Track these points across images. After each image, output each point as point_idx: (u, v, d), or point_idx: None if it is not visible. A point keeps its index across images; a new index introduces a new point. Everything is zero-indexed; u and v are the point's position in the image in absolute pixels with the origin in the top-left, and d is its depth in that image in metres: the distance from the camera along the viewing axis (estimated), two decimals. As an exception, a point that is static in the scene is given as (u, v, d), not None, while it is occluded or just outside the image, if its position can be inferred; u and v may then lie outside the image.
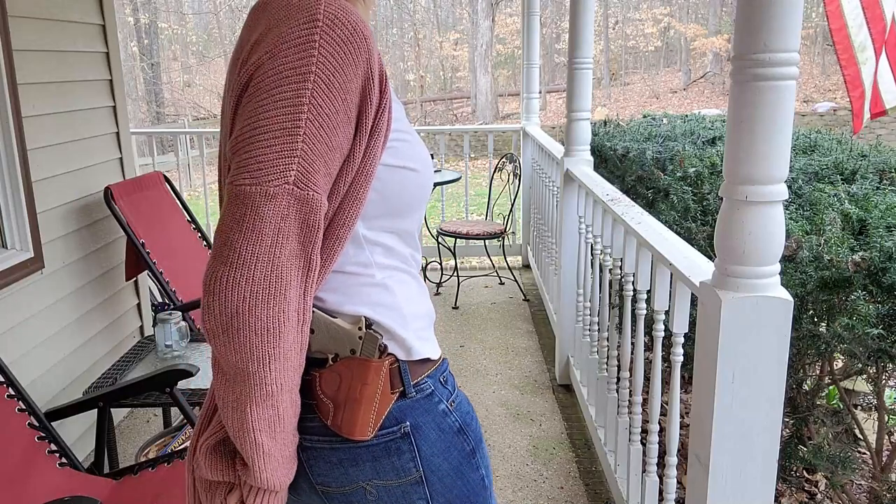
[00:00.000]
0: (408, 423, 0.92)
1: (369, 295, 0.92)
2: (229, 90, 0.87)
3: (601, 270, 2.53)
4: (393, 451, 0.91)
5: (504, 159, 5.16)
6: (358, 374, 0.89)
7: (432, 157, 4.66)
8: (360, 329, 0.89)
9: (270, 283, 0.78)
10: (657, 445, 1.93)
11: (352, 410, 0.88)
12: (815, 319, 1.91)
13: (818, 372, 2.14)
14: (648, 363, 2.15)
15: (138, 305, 3.22)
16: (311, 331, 0.89)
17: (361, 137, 0.84)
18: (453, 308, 4.40)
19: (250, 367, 0.80)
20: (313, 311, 0.89)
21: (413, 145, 0.93)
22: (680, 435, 1.86)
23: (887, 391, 2.07)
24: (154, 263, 2.80)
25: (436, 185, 4.65)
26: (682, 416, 2.64)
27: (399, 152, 0.90)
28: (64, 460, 1.86)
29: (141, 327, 3.25)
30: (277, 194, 0.78)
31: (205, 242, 3.21)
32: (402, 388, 0.92)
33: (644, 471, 2.01)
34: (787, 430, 2.13)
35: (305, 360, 0.90)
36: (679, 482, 2.03)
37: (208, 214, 5.25)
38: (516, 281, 4.76)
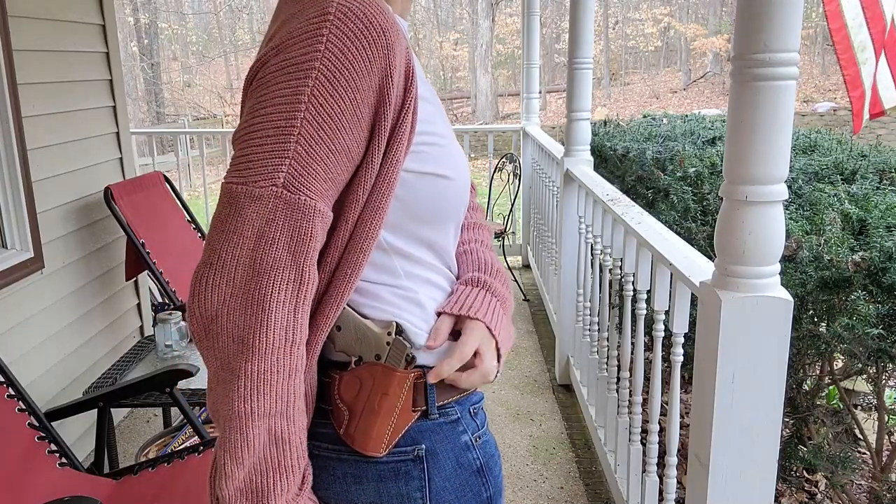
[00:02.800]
0: (424, 446, 0.85)
1: (399, 305, 0.85)
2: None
3: (601, 270, 2.53)
4: (401, 474, 0.84)
5: (504, 159, 5.15)
6: (380, 382, 0.83)
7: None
8: (389, 335, 0.83)
9: (250, 290, 0.73)
10: (657, 445, 1.93)
11: (367, 421, 0.82)
12: (815, 319, 1.91)
13: (818, 372, 2.14)
14: (648, 363, 2.15)
15: (138, 305, 3.22)
16: (338, 328, 0.84)
17: (380, 141, 0.77)
18: (453, 308, 4.39)
19: (224, 376, 0.75)
20: (344, 308, 0.83)
21: (446, 150, 0.86)
22: (680, 435, 1.86)
23: (887, 391, 2.07)
24: (154, 263, 2.80)
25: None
26: (682, 416, 2.64)
27: (428, 157, 0.83)
28: (64, 460, 1.85)
29: (141, 327, 3.25)
30: (263, 196, 0.73)
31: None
32: (424, 407, 0.85)
33: (644, 471, 2.01)
34: (787, 430, 2.13)
35: (327, 361, 0.86)
36: (679, 482, 2.03)
37: (208, 214, 5.25)
38: (516, 281, 4.76)
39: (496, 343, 0.90)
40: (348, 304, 0.84)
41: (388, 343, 0.83)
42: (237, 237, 0.74)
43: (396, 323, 0.84)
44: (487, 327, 0.88)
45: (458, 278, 0.95)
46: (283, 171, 0.73)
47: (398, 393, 0.83)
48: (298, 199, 0.74)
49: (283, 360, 0.75)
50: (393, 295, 0.85)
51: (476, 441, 0.90)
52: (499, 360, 0.91)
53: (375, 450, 0.83)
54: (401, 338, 0.83)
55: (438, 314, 0.88)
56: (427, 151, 0.83)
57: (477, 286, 0.91)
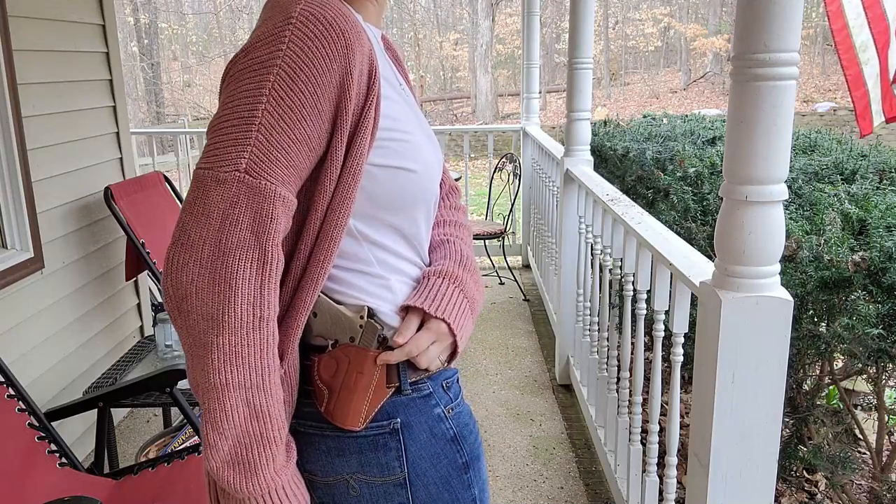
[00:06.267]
0: (398, 419, 0.91)
1: (370, 292, 0.92)
2: None
3: (601, 270, 2.53)
4: (380, 446, 0.91)
5: (504, 159, 5.16)
6: (355, 362, 0.89)
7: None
8: (361, 318, 0.90)
9: (217, 268, 0.78)
10: (657, 445, 1.93)
11: (345, 399, 0.89)
12: (815, 319, 1.91)
13: (818, 372, 2.14)
14: (648, 363, 2.15)
15: (138, 305, 3.22)
16: (314, 314, 0.90)
17: (342, 134, 0.83)
18: (453, 308, 4.39)
19: (197, 351, 0.80)
20: (319, 295, 0.89)
21: (414, 146, 0.91)
22: (680, 435, 1.86)
23: (887, 391, 2.07)
24: (154, 263, 2.80)
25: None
26: (682, 416, 2.64)
27: (391, 152, 0.88)
28: (64, 460, 1.85)
29: (141, 327, 3.25)
30: (227, 180, 0.78)
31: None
32: (397, 384, 0.91)
33: (644, 471, 2.01)
34: (787, 430, 2.13)
35: (307, 346, 0.92)
36: (679, 482, 2.03)
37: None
38: (516, 281, 4.76)
39: (454, 340, 0.95)
40: (324, 293, 0.90)
41: (360, 326, 0.90)
42: (204, 218, 0.79)
43: (368, 307, 0.90)
44: (450, 328, 0.93)
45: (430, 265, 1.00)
46: (245, 158, 0.79)
47: (372, 371, 0.90)
48: (259, 183, 0.79)
49: (252, 335, 0.80)
50: (366, 282, 0.91)
51: (449, 412, 0.96)
52: (454, 356, 0.97)
53: (354, 424, 0.89)
54: (373, 321, 0.90)
55: (407, 308, 0.93)
56: (390, 146, 0.88)
57: (449, 280, 0.96)
